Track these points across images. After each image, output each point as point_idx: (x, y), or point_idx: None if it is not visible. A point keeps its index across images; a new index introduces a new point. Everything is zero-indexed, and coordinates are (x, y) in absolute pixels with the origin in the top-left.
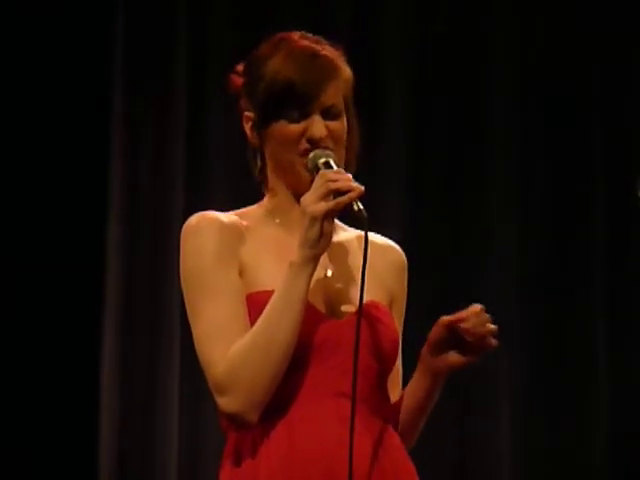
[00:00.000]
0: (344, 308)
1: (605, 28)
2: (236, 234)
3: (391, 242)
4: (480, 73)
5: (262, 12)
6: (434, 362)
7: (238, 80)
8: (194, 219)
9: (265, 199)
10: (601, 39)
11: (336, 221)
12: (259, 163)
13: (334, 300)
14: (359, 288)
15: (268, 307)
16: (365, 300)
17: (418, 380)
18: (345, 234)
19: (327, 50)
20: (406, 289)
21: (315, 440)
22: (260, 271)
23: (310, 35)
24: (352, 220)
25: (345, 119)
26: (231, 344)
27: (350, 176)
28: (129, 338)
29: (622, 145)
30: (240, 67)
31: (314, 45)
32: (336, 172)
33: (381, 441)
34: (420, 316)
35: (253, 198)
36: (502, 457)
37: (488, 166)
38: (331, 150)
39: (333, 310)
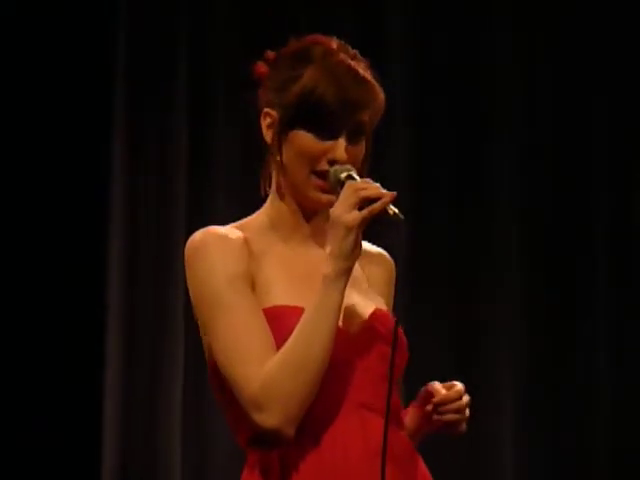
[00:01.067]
0: (357, 319)
1: (611, 38)
2: (242, 249)
3: (380, 250)
4: (482, 84)
5: (264, 19)
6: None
7: (264, 68)
8: (198, 236)
9: (268, 205)
10: (606, 52)
11: None
12: (270, 163)
13: (346, 311)
14: (367, 298)
15: (302, 321)
16: (373, 309)
17: (411, 417)
18: None
19: (368, 74)
20: (393, 293)
21: (343, 455)
22: (269, 286)
23: (347, 47)
24: (387, 226)
25: (364, 143)
26: (263, 360)
27: (378, 184)
28: (131, 353)
29: (625, 158)
30: (271, 55)
31: (355, 65)
32: (363, 182)
33: (402, 451)
34: (420, 322)
35: (256, 211)
36: (504, 458)
37: (489, 177)
38: None
39: (346, 322)
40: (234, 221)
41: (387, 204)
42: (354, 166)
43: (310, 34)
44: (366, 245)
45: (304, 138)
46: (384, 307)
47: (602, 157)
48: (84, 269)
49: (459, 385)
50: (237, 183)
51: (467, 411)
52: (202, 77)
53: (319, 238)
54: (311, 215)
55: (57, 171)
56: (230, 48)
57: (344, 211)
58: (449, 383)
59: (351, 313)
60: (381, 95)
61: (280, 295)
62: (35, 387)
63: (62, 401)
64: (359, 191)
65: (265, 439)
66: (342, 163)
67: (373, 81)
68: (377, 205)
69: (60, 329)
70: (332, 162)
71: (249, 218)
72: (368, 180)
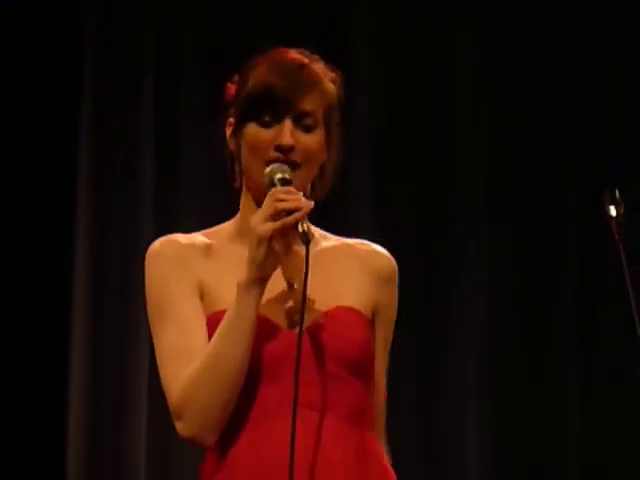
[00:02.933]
0: (307, 317)
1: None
2: (198, 256)
3: (380, 249)
4: (448, 90)
5: (232, 26)
6: None
7: (231, 88)
8: (157, 244)
9: (237, 215)
10: (567, 50)
11: (318, 230)
12: (237, 171)
13: (294, 311)
14: (327, 296)
15: (217, 330)
16: (333, 306)
17: None
18: (325, 243)
19: (316, 65)
20: (395, 297)
21: (280, 455)
22: (221, 291)
23: (308, 53)
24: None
25: (322, 135)
26: (188, 367)
27: (300, 195)
28: (97, 348)
29: (591, 160)
30: (236, 76)
31: (304, 58)
32: (286, 191)
33: (355, 448)
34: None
35: (223, 216)
36: (471, 470)
37: (457, 182)
38: (299, 164)
39: (293, 322)
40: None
41: (298, 219)
42: (309, 158)
43: (307, 52)
44: (360, 243)
45: (251, 129)
46: (350, 303)
47: (571, 173)
48: (50, 268)
49: None
50: (206, 200)
51: None
52: (171, 94)
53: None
54: None
55: (23, 172)
56: (199, 63)
57: (260, 221)
58: None
59: (297, 312)
60: (328, 85)
61: (230, 300)
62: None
63: (26, 402)
64: (277, 202)
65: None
66: (289, 149)
67: (319, 70)
68: (289, 219)
69: (24, 328)
70: (279, 149)
71: (220, 226)
72: (291, 189)
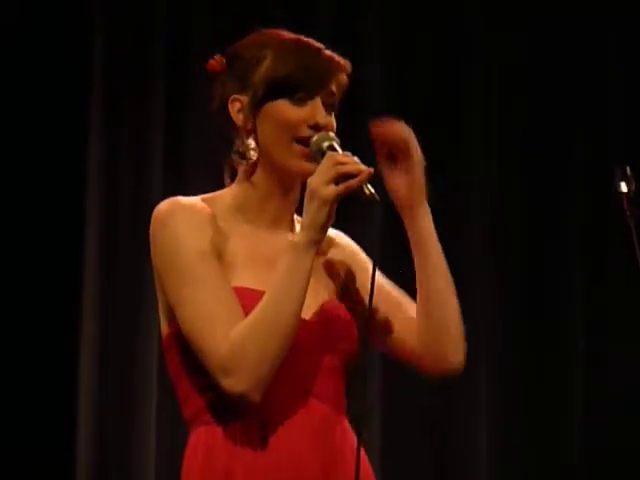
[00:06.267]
0: (309, 306)
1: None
2: (209, 222)
3: (337, 232)
4: (459, 73)
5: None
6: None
7: (219, 64)
8: (164, 206)
9: (235, 189)
10: (578, 38)
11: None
12: (250, 146)
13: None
14: (320, 288)
15: (272, 287)
16: (324, 300)
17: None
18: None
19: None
20: (359, 255)
21: (286, 440)
22: (232, 266)
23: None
24: (362, 205)
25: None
26: (231, 325)
27: (358, 159)
28: (107, 334)
29: (602, 144)
30: (221, 56)
31: (316, 43)
32: (344, 155)
33: (342, 442)
34: None
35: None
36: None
37: (465, 168)
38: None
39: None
40: None
41: (363, 182)
42: None
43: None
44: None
45: (280, 106)
46: (334, 297)
47: (581, 158)
48: (60, 253)
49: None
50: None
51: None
52: (181, 69)
53: (284, 223)
54: (280, 198)
55: (31, 167)
56: (210, 35)
57: (321, 184)
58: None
59: (306, 302)
60: (345, 69)
61: (242, 277)
62: (7, 389)
63: (37, 401)
64: (337, 166)
65: (231, 404)
66: (323, 128)
67: (333, 54)
68: (353, 182)
69: (33, 326)
70: (314, 127)
71: (215, 194)
72: (348, 154)
